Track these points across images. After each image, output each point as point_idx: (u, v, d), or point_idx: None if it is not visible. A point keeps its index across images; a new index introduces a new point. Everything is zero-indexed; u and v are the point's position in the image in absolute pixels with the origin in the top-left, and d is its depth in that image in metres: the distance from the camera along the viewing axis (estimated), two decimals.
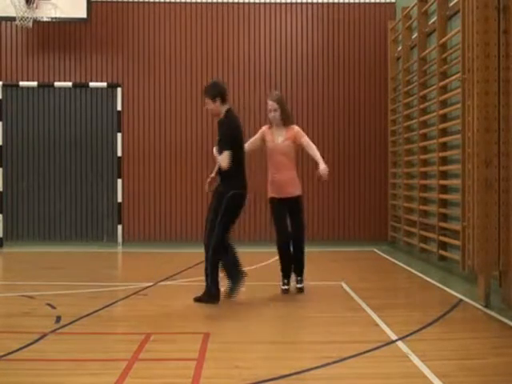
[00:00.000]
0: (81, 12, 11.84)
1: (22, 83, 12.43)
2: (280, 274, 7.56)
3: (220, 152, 7.00)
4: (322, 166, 7.26)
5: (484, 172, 6.49)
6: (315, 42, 12.79)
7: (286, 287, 7.51)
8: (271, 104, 7.47)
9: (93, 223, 12.75)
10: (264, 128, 7.66)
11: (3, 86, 12.35)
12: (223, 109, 7.07)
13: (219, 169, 7.08)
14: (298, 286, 7.57)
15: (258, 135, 7.67)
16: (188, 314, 6.54)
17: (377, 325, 5.96)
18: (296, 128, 7.57)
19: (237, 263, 7.19)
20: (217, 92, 7.04)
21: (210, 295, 6.91)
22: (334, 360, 4.79)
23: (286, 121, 7.51)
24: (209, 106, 7.10)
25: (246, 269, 7.28)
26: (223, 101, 7.06)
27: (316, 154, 7.40)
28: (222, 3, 12.77)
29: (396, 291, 7.96)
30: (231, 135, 7.00)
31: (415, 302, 7.32)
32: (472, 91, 6.64)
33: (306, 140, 7.50)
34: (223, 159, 6.88)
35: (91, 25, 12.47)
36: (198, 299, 6.95)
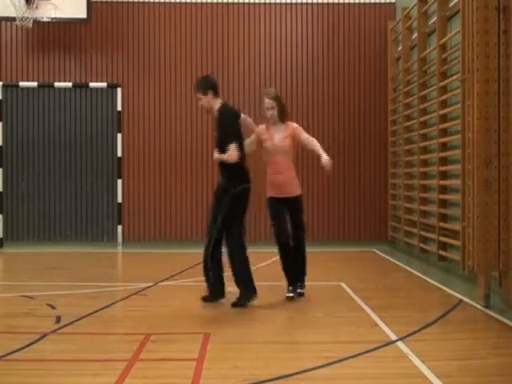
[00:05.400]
0: (81, 12, 11.83)
1: (21, 83, 12.43)
2: (284, 277, 7.34)
3: (222, 147, 6.82)
4: (324, 157, 6.93)
5: (484, 172, 6.50)
6: (315, 42, 12.79)
7: (290, 294, 7.22)
8: (268, 102, 7.19)
9: (93, 223, 12.74)
10: (259, 129, 7.37)
11: (3, 86, 12.35)
12: (217, 103, 6.91)
13: (222, 165, 6.89)
14: (299, 290, 7.32)
15: (253, 138, 7.38)
16: (188, 314, 6.54)
17: (377, 325, 5.96)
18: (294, 125, 7.31)
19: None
20: (208, 85, 6.88)
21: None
22: (334, 360, 4.80)
23: (283, 118, 7.27)
24: (201, 100, 6.90)
25: None
26: (216, 94, 6.90)
27: (316, 146, 7.10)
28: (222, 3, 12.77)
29: (396, 291, 7.95)
30: (232, 128, 6.81)
31: (415, 303, 7.31)
32: (472, 91, 6.64)
33: (305, 136, 7.22)
34: (232, 153, 6.70)
35: (91, 25, 12.46)
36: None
